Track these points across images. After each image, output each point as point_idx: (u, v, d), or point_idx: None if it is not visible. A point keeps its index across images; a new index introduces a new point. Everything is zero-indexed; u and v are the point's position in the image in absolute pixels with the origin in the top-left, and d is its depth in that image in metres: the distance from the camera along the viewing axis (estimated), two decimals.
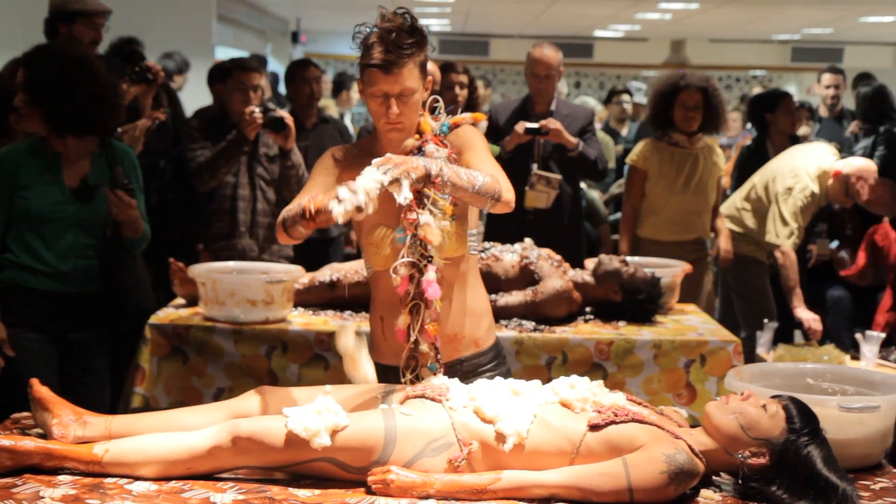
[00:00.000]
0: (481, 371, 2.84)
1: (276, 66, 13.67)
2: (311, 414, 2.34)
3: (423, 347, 2.66)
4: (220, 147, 4.76)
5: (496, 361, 2.91)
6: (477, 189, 2.57)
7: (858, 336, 4.34)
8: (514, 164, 5.27)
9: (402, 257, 2.63)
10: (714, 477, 2.42)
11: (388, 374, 2.74)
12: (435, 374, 2.64)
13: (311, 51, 16.10)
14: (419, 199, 2.62)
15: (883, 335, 4.30)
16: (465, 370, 2.80)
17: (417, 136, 2.77)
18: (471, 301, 2.84)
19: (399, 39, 2.64)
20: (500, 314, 4.16)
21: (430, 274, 2.63)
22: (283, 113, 4.74)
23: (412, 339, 2.66)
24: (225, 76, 4.94)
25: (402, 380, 2.65)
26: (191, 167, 4.80)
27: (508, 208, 2.67)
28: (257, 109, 4.69)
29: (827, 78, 7.48)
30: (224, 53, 11.45)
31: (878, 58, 15.72)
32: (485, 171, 2.63)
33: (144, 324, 4.03)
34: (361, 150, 2.83)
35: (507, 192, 2.66)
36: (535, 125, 5.09)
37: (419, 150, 2.72)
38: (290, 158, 4.80)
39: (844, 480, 2.32)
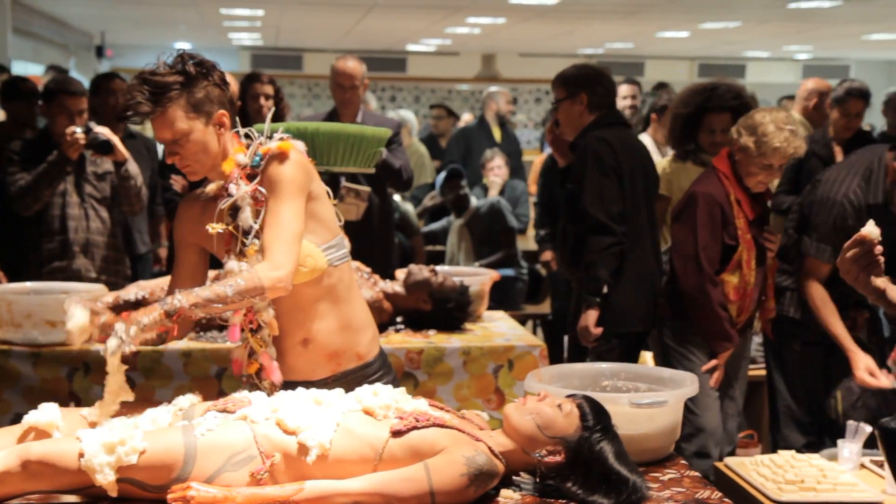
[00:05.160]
0: (369, 381, 2.82)
1: (81, 80, 13.22)
2: (102, 449, 2.27)
3: (265, 384, 2.76)
4: (40, 169, 4.62)
5: (381, 371, 2.94)
6: (231, 299, 2.55)
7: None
8: (323, 176, 5.28)
9: None
10: (514, 477, 2.48)
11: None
12: None
13: (118, 65, 15.63)
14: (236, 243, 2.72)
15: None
16: (350, 382, 2.79)
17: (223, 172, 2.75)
18: (346, 315, 2.85)
19: (153, 86, 2.61)
20: None
21: (235, 319, 2.75)
22: (107, 133, 4.63)
23: (245, 374, 2.79)
24: (48, 98, 4.77)
25: None
26: (11, 191, 4.64)
27: (284, 292, 2.64)
28: (79, 130, 4.58)
29: (624, 89, 7.74)
30: (23, 68, 11.01)
31: (676, 71, 16.46)
32: (238, 271, 2.63)
33: None
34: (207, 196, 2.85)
35: (274, 275, 2.59)
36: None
37: (226, 192, 2.72)
38: (126, 170, 4.70)
39: (634, 473, 2.42)
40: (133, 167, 4.75)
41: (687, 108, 4.69)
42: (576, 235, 4.44)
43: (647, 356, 4.64)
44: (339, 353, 2.85)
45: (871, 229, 2.41)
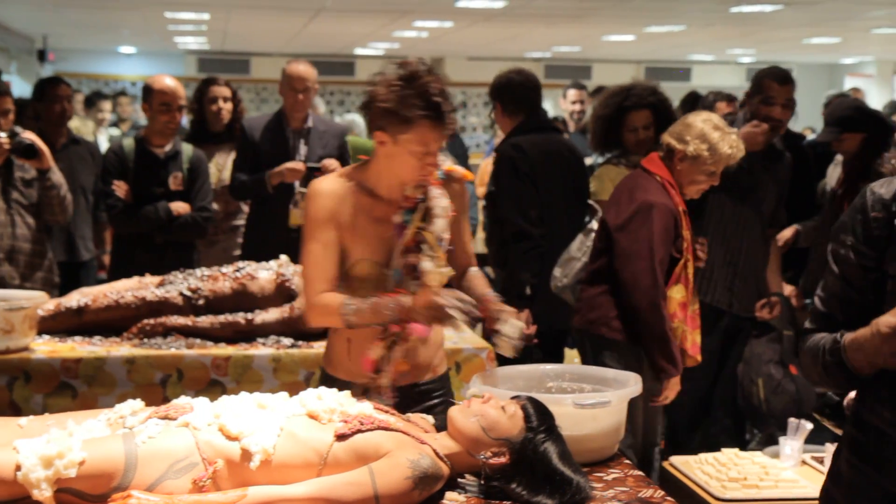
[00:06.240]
0: (434, 395, 3.01)
1: (23, 85, 13.04)
2: (39, 462, 2.22)
3: (384, 381, 2.84)
4: None
5: (445, 388, 3.08)
6: None
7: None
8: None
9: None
10: (459, 479, 2.49)
11: (340, 388, 2.74)
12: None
13: (61, 69, 15.45)
14: (417, 244, 2.82)
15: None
16: (420, 392, 2.94)
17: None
18: (435, 333, 2.99)
19: (446, 91, 2.78)
20: (258, 332, 4.13)
21: None
22: (33, 137, 4.55)
23: (379, 371, 2.85)
24: None
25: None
26: None
27: None
28: (3, 135, 4.49)
29: (572, 94, 7.81)
30: None
31: (622, 75, 16.56)
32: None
33: None
34: (360, 186, 2.88)
35: None
36: (317, 165, 5.10)
37: (424, 194, 2.86)
38: (49, 179, 4.62)
39: (578, 474, 2.44)
40: (57, 176, 4.65)
41: (606, 110, 4.75)
42: (500, 236, 4.72)
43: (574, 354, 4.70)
44: (423, 364, 2.98)
45: None
